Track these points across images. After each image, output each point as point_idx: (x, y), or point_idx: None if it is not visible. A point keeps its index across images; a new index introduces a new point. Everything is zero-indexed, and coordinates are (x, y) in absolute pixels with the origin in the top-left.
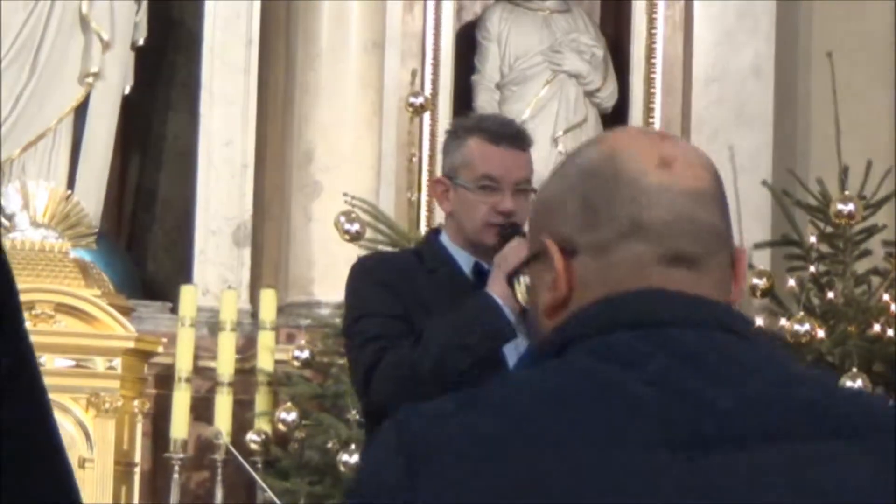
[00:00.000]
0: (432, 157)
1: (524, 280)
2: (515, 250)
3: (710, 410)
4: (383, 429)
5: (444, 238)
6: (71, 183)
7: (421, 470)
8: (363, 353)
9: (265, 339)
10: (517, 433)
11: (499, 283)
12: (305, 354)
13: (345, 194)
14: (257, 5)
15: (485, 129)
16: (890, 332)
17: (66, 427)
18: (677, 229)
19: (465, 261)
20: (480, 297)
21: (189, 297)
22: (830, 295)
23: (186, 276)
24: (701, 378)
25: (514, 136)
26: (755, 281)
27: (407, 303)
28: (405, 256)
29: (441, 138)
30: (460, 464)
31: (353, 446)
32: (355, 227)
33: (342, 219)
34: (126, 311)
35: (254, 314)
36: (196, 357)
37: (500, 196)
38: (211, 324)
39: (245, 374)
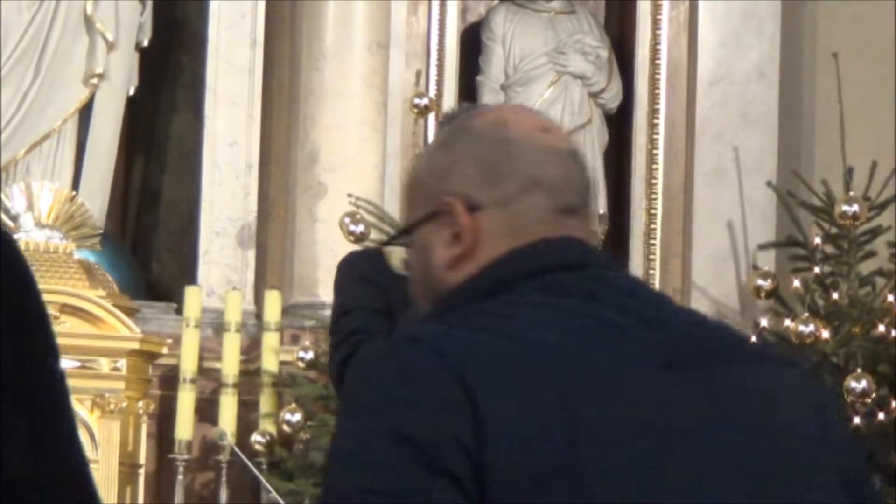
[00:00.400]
0: None
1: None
2: None
3: (685, 336)
4: (401, 352)
5: None
6: (75, 184)
7: (477, 387)
8: (342, 346)
9: (270, 340)
10: (547, 360)
11: None
12: (310, 355)
13: (349, 195)
14: (262, 6)
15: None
16: (894, 333)
17: None
18: (567, 184)
19: None
20: None
21: (194, 298)
22: (835, 296)
23: (191, 278)
24: (651, 310)
25: None
26: (760, 282)
27: (391, 297)
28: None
29: None
30: (512, 380)
31: None
32: (360, 228)
33: (347, 220)
34: (131, 313)
35: (258, 315)
36: (201, 358)
37: None
38: (215, 325)
39: (250, 376)
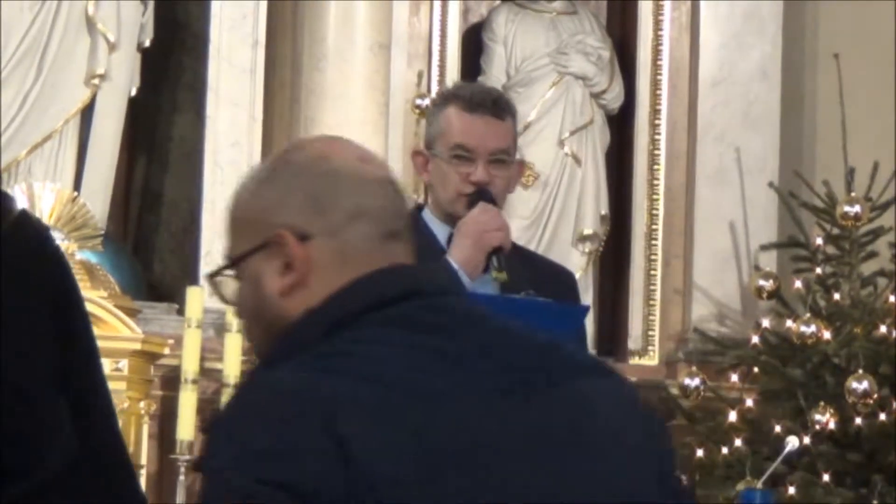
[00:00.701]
0: None
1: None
2: (479, 215)
3: (521, 360)
4: (272, 399)
5: (426, 213)
6: (77, 184)
7: (349, 434)
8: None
9: None
10: (404, 401)
11: (459, 248)
12: None
13: None
14: (263, 7)
15: (461, 97)
16: None
17: None
18: (390, 211)
19: (442, 233)
20: (435, 263)
21: (195, 299)
22: (837, 296)
23: (193, 278)
24: (487, 335)
25: (491, 104)
26: (761, 282)
27: None
28: None
29: None
30: (380, 426)
31: None
32: None
33: None
34: (132, 313)
35: None
36: (202, 359)
37: (473, 166)
38: (217, 325)
39: None
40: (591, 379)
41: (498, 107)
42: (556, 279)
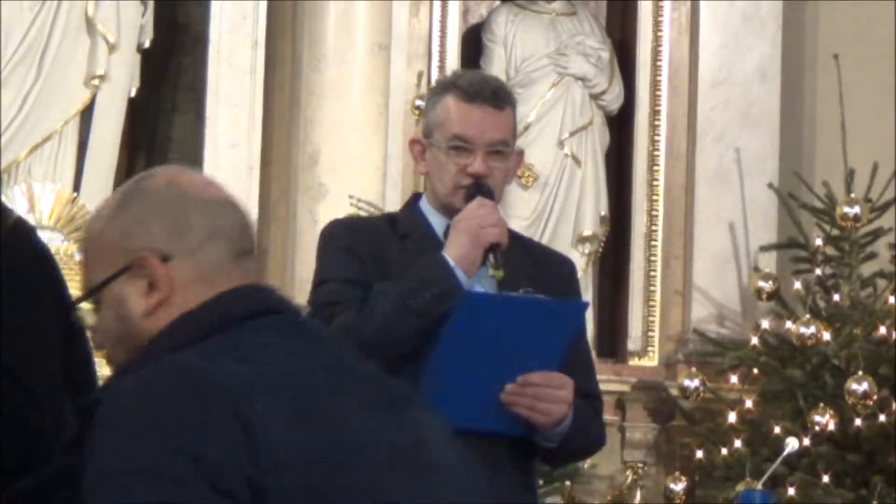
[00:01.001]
0: None
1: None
2: (475, 210)
3: (371, 380)
4: (176, 377)
5: (423, 202)
6: (77, 185)
7: (252, 417)
8: (314, 318)
9: None
10: (291, 386)
11: (455, 244)
12: None
13: (350, 196)
14: (263, 7)
15: (459, 87)
16: (895, 335)
17: None
18: (240, 230)
19: (439, 224)
20: (433, 260)
21: None
22: (836, 297)
23: None
24: (338, 353)
25: (490, 95)
26: (761, 283)
27: (371, 268)
28: (376, 222)
29: None
30: (279, 411)
31: None
32: None
33: None
34: None
35: None
36: None
37: (471, 157)
38: None
39: None
40: (420, 408)
41: (497, 97)
42: (555, 268)
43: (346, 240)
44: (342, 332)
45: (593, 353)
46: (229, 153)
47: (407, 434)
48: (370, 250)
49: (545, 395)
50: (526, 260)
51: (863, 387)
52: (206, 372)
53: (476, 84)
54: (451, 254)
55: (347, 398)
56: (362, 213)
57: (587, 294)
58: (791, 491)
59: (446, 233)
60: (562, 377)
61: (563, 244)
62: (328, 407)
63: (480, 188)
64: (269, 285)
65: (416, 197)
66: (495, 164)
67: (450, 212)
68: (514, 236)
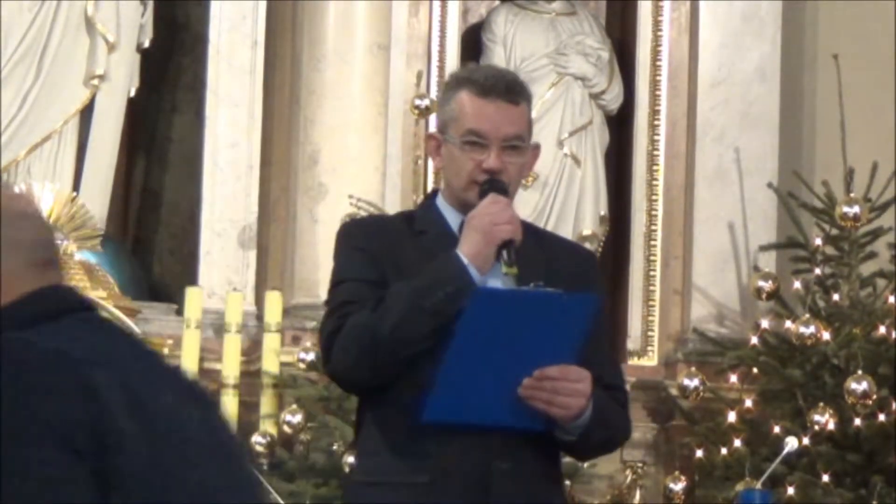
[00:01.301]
0: None
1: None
2: (488, 207)
3: (178, 375)
4: (28, 355)
5: (439, 198)
6: (76, 185)
7: (96, 383)
8: (328, 320)
9: (270, 341)
10: (122, 367)
11: (468, 241)
12: (311, 356)
13: (350, 196)
14: (263, 7)
15: (474, 81)
16: (895, 335)
17: None
18: (43, 241)
19: (454, 220)
20: (446, 258)
21: (194, 299)
22: (836, 297)
23: (192, 278)
24: (144, 346)
25: (505, 89)
26: (761, 283)
27: (386, 267)
28: (392, 219)
29: None
30: (118, 380)
31: None
32: None
33: (347, 221)
34: (131, 313)
35: (259, 316)
36: (201, 359)
37: (486, 153)
38: (216, 326)
39: (250, 377)
40: (215, 407)
41: (512, 91)
42: (574, 261)
43: (361, 239)
44: (357, 331)
45: None
46: (229, 153)
47: (213, 428)
48: (385, 249)
49: (562, 389)
50: (541, 253)
51: (862, 386)
52: (46, 343)
53: (491, 78)
54: (464, 251)
55: (161, 385)
56: (362, 213)
57: None
58: (790, 490)
59: (461, 229)
60: (579, 370)
61: None
62: (149, 389)
63: (494, 184)
64: (72, 286)
65: (434, 193)
66: (510, 159)
67: (465, 207)
68: (529, 229)
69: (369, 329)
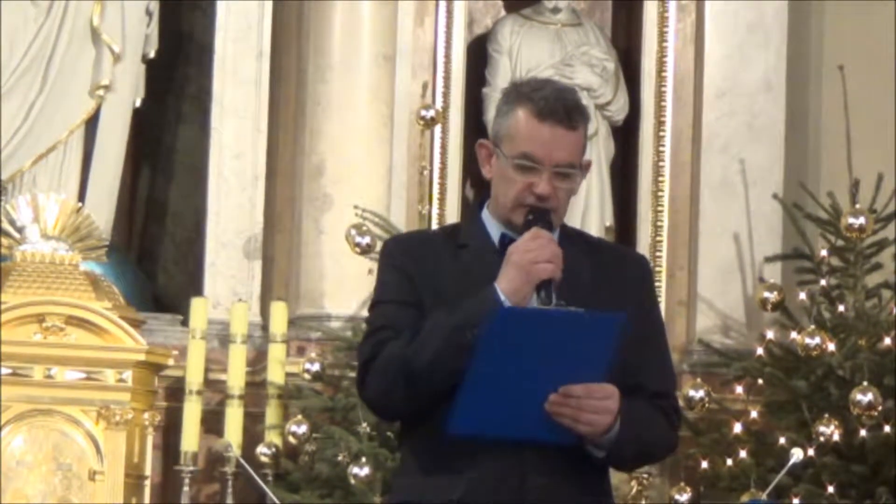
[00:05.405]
0: (443, 169)
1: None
2: (529, 243)
3: None
4: None
5: (485, 212)
6: (82, 195)
7: None
8: (365, 344)
9: (276, 351)
10: None
11: (507, 278)
12: (316, 367)
13: (355, 207)
14: (268, 18)
15: (535, 101)
16: None
17: (77, 439)
18: None
19: (497, 233)
20: (484, 294)
21: (200, 310)
22: (841, 308)
23: (197, 289)
24: None
25: (563, 114)
26: (766, 294)
27: (422, 288)
28: (434, 235)
29: (451, 151)
30: None
31: (363, 459)
32: (366, 239)
33: (353, 231)
34: (137, 324)
35: (264, 327)
36: (206, 370)
37: (537, 176)
38: (221, 336)
39: (255, 387)
40: None
41: (571, 117)
42: (628, 269)
43: (398, 258)
44: (393, 363)
45: None
46: (234, 163)
47: None
48: (422, 267)
49: (587, 406)
50: (589, 263)
51: (867, 397)
52: None
53: (551, 101)
54: (502, 287)
55: None
56: (367, 224)
57: None
58: (796, 501)
59: (502, 241)
60: (605, 388)
61: None
62: None
63: (539, 216)
64: None
65: (480, 204)
66: (560, 184)
67: (509, 224)
68: (580, 238)
69: (405, 362)
